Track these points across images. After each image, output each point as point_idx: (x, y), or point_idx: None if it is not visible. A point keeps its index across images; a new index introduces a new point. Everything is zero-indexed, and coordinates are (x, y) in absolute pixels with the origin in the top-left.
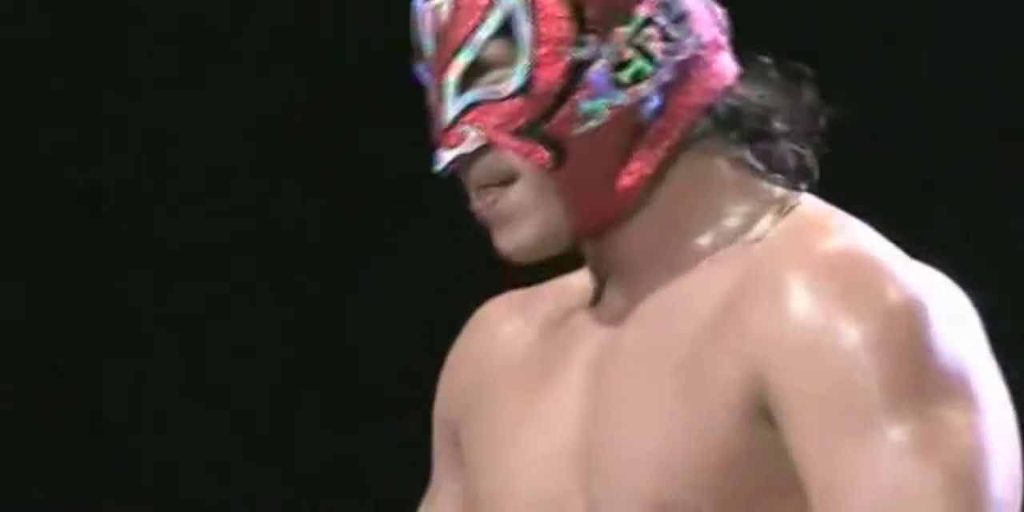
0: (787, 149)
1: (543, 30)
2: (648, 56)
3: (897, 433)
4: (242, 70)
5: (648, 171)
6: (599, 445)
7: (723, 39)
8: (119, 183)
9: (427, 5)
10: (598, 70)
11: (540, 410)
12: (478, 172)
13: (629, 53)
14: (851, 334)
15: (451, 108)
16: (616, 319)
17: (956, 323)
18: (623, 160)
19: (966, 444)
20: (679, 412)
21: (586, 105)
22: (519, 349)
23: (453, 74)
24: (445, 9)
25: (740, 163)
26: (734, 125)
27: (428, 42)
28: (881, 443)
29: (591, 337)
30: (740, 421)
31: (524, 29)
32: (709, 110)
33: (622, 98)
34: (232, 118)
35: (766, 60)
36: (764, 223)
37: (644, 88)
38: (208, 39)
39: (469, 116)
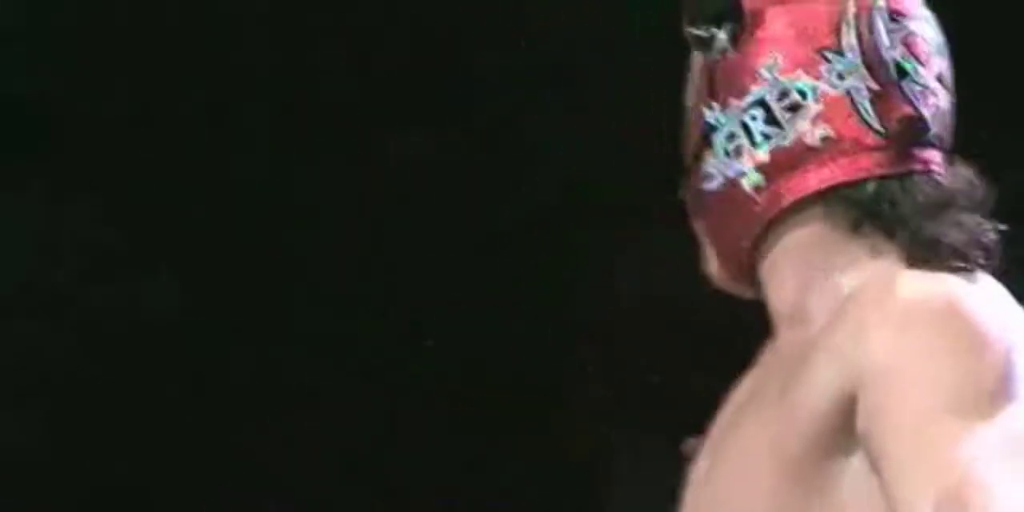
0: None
1: (692, 90)
2: (749, 134)
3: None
4: None
5: (746, 245)
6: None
7: (871, 140)
8: None
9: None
10: (718, 136)
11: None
12: None
13: (734, 127)
14: (932, 353)
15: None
16: (760, 364)
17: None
18: (730, 226)
19: None
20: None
21: (708, 166)
22: None
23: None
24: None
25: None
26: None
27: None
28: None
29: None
30: (826, 432)
31: (690, 87)
32: (853, 199)
33: (727, 167)
34: None
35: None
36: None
37: (744, 162)
38: None
39: None
